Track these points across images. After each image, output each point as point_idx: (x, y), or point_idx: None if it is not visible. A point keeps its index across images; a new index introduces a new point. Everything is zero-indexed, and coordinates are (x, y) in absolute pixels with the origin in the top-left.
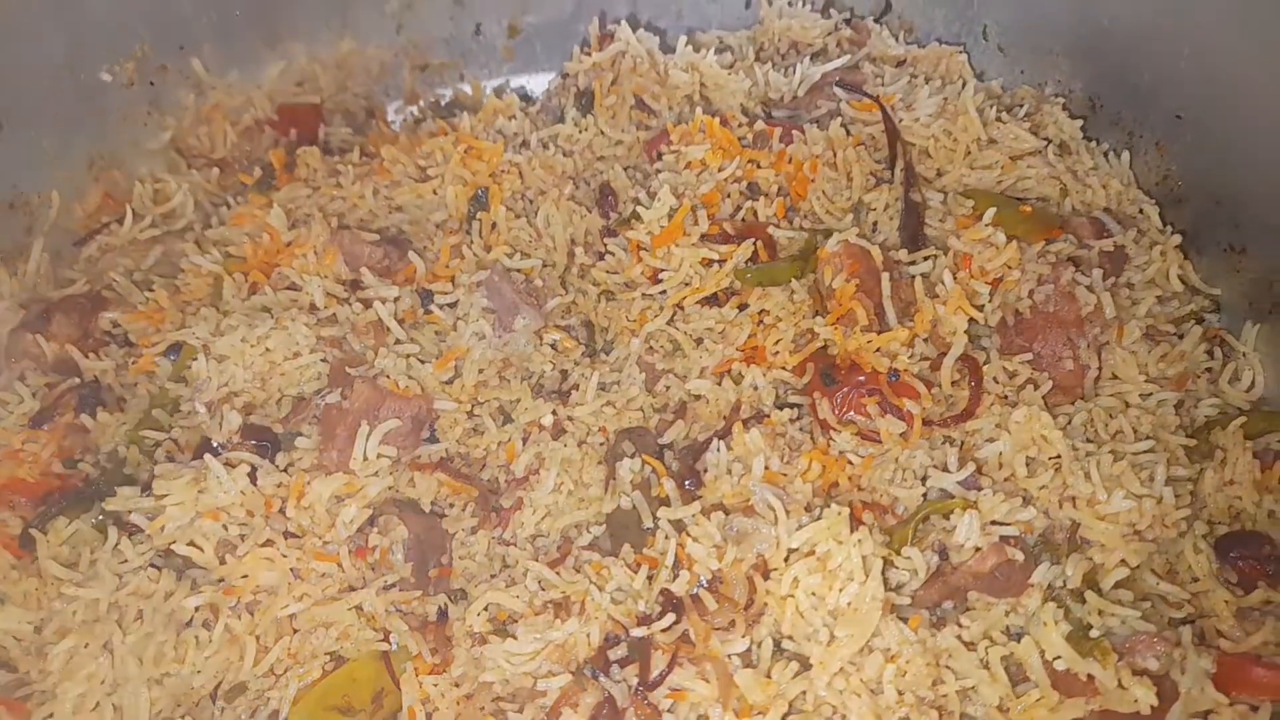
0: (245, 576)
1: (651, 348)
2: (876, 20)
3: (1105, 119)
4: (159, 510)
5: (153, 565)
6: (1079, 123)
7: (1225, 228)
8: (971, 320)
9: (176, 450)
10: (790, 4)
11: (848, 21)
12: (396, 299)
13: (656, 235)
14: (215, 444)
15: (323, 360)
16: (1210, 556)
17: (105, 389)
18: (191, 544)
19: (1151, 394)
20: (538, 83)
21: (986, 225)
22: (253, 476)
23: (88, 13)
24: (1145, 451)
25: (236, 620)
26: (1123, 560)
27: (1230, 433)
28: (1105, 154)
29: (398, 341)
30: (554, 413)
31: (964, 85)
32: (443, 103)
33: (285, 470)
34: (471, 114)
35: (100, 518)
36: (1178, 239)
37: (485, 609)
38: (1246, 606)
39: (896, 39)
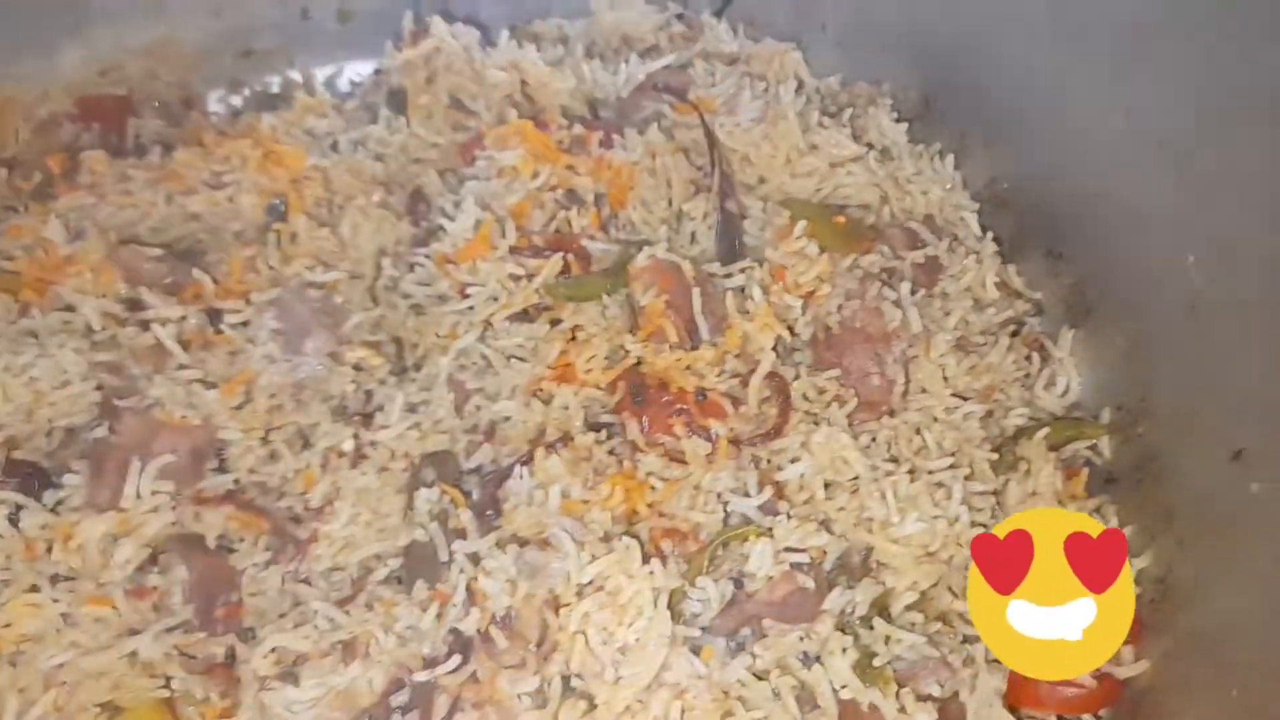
0: (8, 626)
1: (463, 365)
2: (717, 14)
3: (937, 119)
4: None
5: None
6: (904, 126)
7: (1045, 232)
8: (782, 336)
9: None
10: None
11: (680, 16)
12: (182, 319)
13: (461, 249)
14: None
15: (96, 389)
16: None
17: None
18: None
19: (959, 407)
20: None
21: (799, 237)
22: (14, 518)
23: None
24: (946, 469)
25: None
26: (914, 583)
27: (1034, 444)
28: (932, 158)
29: (180, 366)
30: (355, 437)
31: (798, 85)
32: (271, 91)
33: (54, 510)
34: (276, 110)
35: None
36: (994, 246)
37: (272, 650)
38: None
39: (736, 32)
